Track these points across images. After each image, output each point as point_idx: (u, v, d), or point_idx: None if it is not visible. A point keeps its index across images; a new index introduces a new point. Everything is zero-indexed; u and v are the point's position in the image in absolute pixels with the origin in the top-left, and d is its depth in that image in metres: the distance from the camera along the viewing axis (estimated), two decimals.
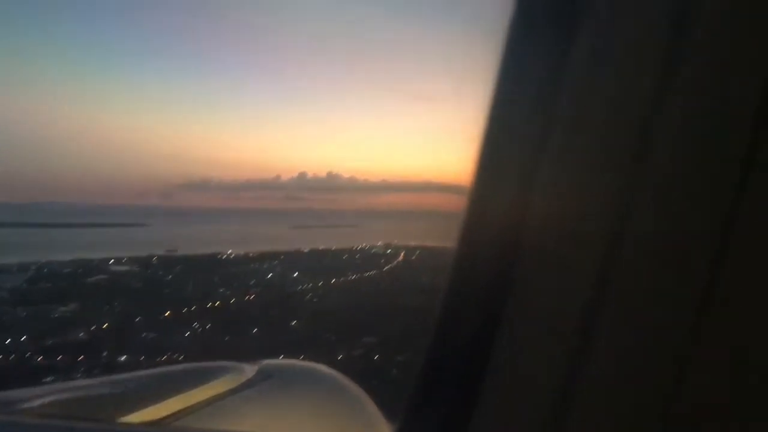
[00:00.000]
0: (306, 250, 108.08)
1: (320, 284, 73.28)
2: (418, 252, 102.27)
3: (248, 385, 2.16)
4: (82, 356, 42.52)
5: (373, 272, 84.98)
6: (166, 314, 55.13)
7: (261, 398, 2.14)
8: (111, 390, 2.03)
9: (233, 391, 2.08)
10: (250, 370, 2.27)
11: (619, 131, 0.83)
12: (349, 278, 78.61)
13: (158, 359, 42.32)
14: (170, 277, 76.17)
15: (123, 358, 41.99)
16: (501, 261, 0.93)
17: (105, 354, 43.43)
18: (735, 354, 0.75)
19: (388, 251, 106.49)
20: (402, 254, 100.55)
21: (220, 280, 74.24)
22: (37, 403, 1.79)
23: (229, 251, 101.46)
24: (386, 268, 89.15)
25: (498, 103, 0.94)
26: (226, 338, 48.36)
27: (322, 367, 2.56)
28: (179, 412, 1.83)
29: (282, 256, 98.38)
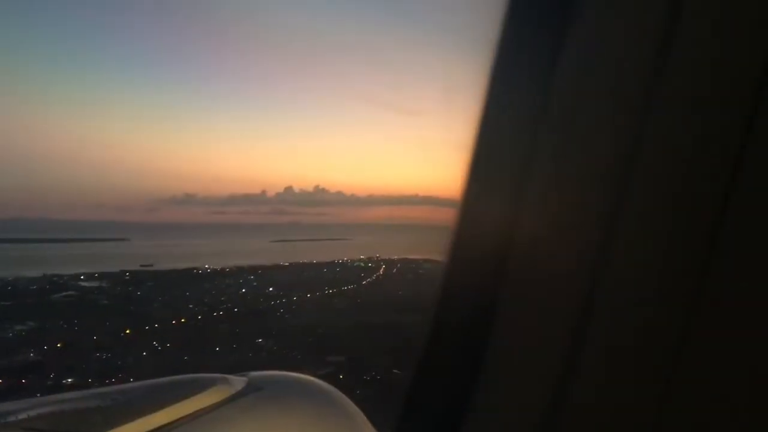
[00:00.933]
0: (286, 264, 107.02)
1: (294, 299, 71.10)
2: (399, 265, 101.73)
3: (237, 397, 2.11)
4: (24, 379, 39.92)
5: (351, 286, 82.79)
6: (126, 332, 52.63)
7: (250, 411, 2.10)
8: (98, 403, 2.00)
9: (222, 404, 2.05)
10: (239, 382, 2.21)
11: (607, 142, 0.84)
12: (325, 293, 76.33)
13: (106, 382, 39.83)
14: (139, 293, 73.75)
15: (69, 380, 39.42)
16: (491, 270, 0.93)
17: (52, 376, 40.86)
18: (726, 354, 0.76)
19: (370, 265, 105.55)
20: (383, 268, 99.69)
21: (191, 295, 72.09)
22: (22, 416, 1.82)
23: (206, 266, 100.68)
24: (365, 281, 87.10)
25: (486, 116, 0.95)
26: (185, 358, 45.89)
27: (313, 379, 2.49)
28: (167, 425, 1.86)
29: (259, 271, 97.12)
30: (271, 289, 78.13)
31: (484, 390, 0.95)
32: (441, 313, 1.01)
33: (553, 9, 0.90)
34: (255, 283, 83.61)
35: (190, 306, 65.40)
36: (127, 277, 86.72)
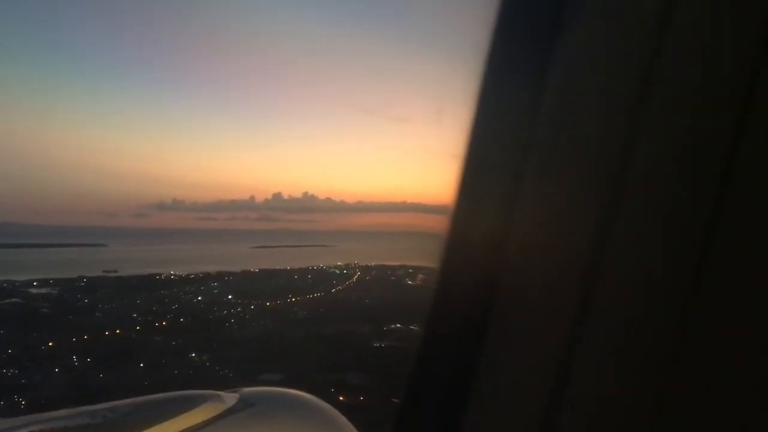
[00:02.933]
0: (256, 271, 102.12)
1: (252, 308, 66.04)
2: (374, 272, 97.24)
3: (229, 413, 2.17)
4: None
5: (318, 294, 77.80)
6: (49, 345, 47.43)
7: (242, 427, 2.16)
8: (89, 420, 2.05)
9: (214, 420, 2.10)
10: (230, 398, 2.28)
11: (599, 148, 0.84)
12: (288, 301, 71.20)
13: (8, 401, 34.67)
14: (86, 300, 68.53)
15: None
16: (485, 275, 0.93)
17: None
18: (723, 354, 0.77)
19: (345, 271, 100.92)
20: (357, 275, 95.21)
21: (141, 303, 67.11)
22: None
23: (171, 272, 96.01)
24: (335, 289, 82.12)
25: (478, 123, 0.95)
26: (100, 376, 40.76)
27: (305, 395, 2.57)
28: None
29: (226, 277, 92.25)
30: (230, 296, 73.33)
31: (480, 395, 0.94)
32: (435, 319, 1.00)
33: (543, 17, 0.90)
34: (216, 291, 78.70)
35: (134, 315, 60.49)
36: (83, 284, 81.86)
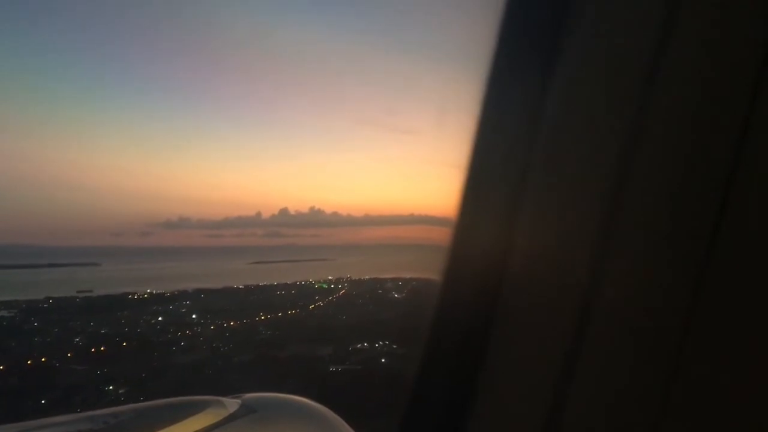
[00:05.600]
0: (239, 287, 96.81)
1: (212, 328, 60.06)
2: (363, 286, 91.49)
3: (231, 419, 2.17)
4: None
5: (294, 311, 71.65)
6: None
7: None
8: (91, 426, 2.03)
9: (216, 426, 2.10)
10: (232, 404, 2.29)
11: (601, 158, 0.84)
12: (256, 319, 64.98)
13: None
14: (36, 324, 63.13)
15: None
16: (488, 284, 0.93)
17: None
18: (724, 357, 0.77)
19: (332, 286, 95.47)
20: (343, 290, 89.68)
21: (94, 325, 61.86)
22: None
23: (148, 290, 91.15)
24: (313, 305, 75.89)
25: (481, 136, 0.95)
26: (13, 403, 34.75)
27: (306, 401, 2.56)
28: None
29: (202, 295, 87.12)
30: (194, 316, 67.38)
31: (483, 403, 0.94)
32: (438, 327, 1.00)
33: (543, 30, 0.90)
34: (183, 310, 72.94)
35: (76, 340, 54.57)
36: (45, 306, 76.74)
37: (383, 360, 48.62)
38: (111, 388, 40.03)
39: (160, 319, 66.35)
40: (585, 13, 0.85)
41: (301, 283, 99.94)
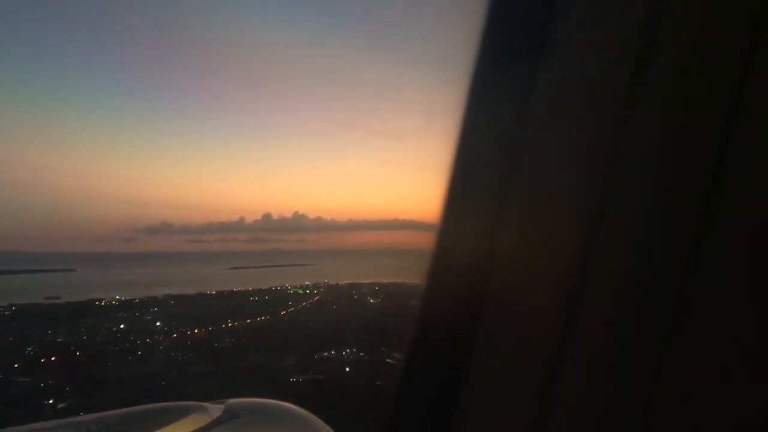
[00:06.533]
0: (212, 293, 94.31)
1: (173, 336, 57.64)
2: (338, 291, 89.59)
3: (214, 425, 2.21)
4: None
5: (264, 317, 69.38)
6: None
7: None
8: None
9: (199, 431, 2.14)
10: (215, 409, 2.35)
11: (586, 161, 0.85)
12: (222, 326, 62.62)
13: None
14: None
15: None
16: (471, 292, 0.93)
17: None
18: (709, 359, 0.78)
19: (308, 291, 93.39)
20: (318, 296, 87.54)
21: (51, 334, 58.94)
22: None
23: (117, 296, 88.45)
24: (285, 311, 73.61)
25: (465, 140, 0.96)
26: None
27: (290, 406, 2.59)
28: None
29: (171, 301, 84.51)
30: (158, 324, 64.92)
31: (468, 406, 0.94)
32: (423, 331, 1.00)
33: (527, 35, 0.91)
34: (149, 317, 70.37)
35: (28, 349, 51.94)
36: (7, 313, 73.90)
37: (347, 369, 46.49)
38: (50, 402, 37.52)
39: (122, 326, 63.81)
40: (569, 16, 0.86)
41: (276, 288, 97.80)
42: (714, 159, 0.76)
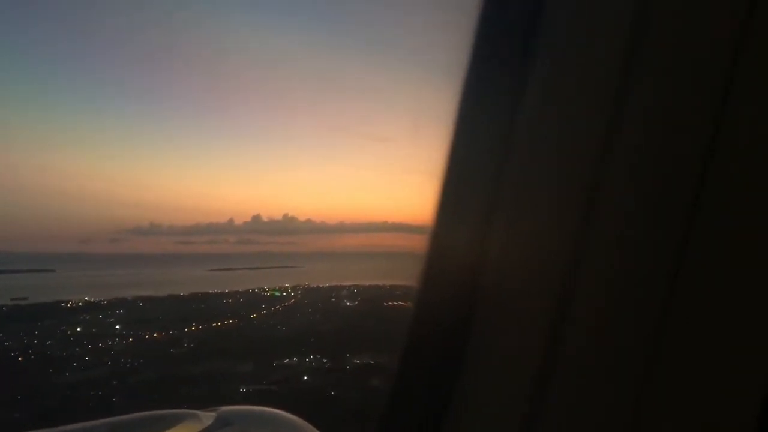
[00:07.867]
0: (184, 295, 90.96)
1: (130, 340, 54.71)
2: (316, 294, 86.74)
3: None
4: None
5: (232, 321, 66.22)
6: None
7: None
8: None
9: None
10: (207, 417, 2.28)
11: (574, 168, 0.86)
12: (185, 330, 59.51)
13: None
14: None
15: None
16: (463, 294, 0.94)
17: None
18: (697, 360, 0.80)
19: (284, 294, 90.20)
20: (294, 298, 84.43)
21: (3, 337, 55.83)
22: None
23: (85, 297, 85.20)
24: (255, 314, 70.39)
25: (456, 142, 0.97)
26: None
27: (282, 413, 2.54)
28: None
29: (140, 303, 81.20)
30: (118, 327, 61.76)
31: (461, 405, 0.95)
32: (415, 334, 1.01)
33: (517, 38, 0.92)
34: (111, 320, 67.12)
35: None
36: None
37: (306, 378, 43.35)
38: None
39: (78, 329, 60.64)
40: (559, 18, 0.87)
41: (253, 290, 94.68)
42: (701, 161, 0.77)
